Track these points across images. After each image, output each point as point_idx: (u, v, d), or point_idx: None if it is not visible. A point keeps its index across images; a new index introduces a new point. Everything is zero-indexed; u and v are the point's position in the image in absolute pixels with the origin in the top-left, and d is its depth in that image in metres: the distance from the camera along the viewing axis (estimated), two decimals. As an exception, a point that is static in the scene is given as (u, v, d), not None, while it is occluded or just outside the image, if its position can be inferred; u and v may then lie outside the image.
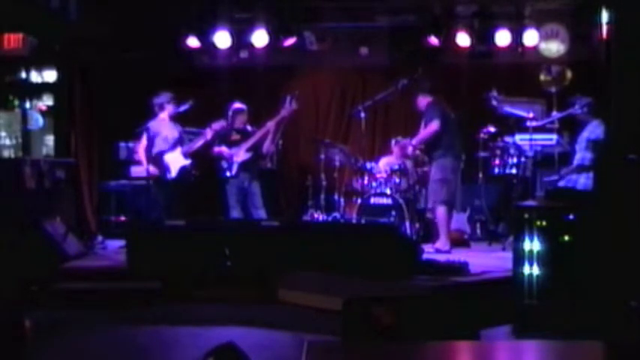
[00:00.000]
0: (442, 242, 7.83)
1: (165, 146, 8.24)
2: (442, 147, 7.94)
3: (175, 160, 8.25)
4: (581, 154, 7.42)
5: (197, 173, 8.69)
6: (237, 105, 8.51)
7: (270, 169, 9.47)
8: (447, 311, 5.43)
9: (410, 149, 8.28)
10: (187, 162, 8.34)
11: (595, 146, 7.21)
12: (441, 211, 7.87)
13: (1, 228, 6.83)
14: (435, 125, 7.86)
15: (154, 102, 8.31)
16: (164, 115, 8.30)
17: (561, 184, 7.47)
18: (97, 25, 9.02)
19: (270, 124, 8.35)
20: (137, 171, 9.09)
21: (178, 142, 8.34)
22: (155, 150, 8.19)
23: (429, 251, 7.55)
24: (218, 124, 8.23)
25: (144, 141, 8.22)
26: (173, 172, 8.24)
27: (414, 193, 8.68)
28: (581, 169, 7.27)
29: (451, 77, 9.86)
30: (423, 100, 8.13)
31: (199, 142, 8.30)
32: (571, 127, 8.37)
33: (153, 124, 8.24)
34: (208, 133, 8.21)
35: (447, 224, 7.92)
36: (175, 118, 8.42)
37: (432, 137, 7.93)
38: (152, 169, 8.17)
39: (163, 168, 8.21)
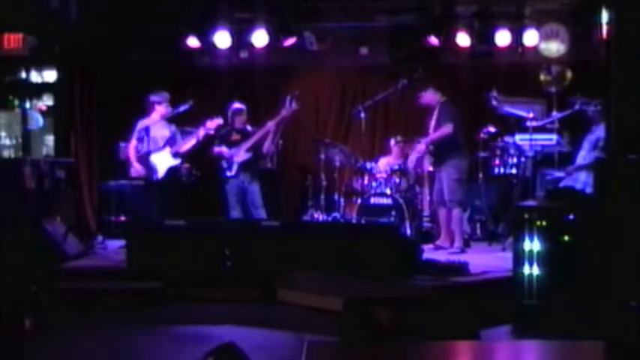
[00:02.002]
0: (459, 242, 7.82)
1: (154, 146, 8.13)
2: (455, 148, 7.84)
3: (163, 160, 8.12)
4: (592, 153, 7.37)
5: (197, 173, 8.67)
6: (237, 105, 8.50)
7: (270, 169, 9.46)
8: (447, 311, 5.45)
9: (422, 147, 8.03)
10: (176, 162, 8.21)
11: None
12: (457, 211, 7.85)
13: (1, 228, 6.83)
14: (449, 129, 7.74)
15: (149, 99, 8.21)
16: (156, 115, 8.23)
17: (570, 183, 7.44)
18: (97, 25, 9.02)
19: (271, 125, 8.34)
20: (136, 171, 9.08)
21: (169, 142, 8.19)
22: (144, 150, 8.15)
23: (452, 251, 7.56)
24: (213, 123, 8.13)
25: (134, 141, 8.18)
26: (160, 173, 8.10)
27: (414, 193, 8.68)
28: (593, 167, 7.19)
29: (451, 77, 9.85)
30: (434, 97, 7.98)
31: (190, 142, 8.18)
32: (571, 127, 8.37)
33: (143, 123, 8.19)
34: (201, 132, 8.11)
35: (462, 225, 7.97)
36: (173, 118, 8.31)
37: (444, 139, 7.84)
38: (140, 168, 8.11)
39: (149, 168, 8.11)
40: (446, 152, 7.90)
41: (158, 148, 8.15)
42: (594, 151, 7.35)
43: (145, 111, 8.28)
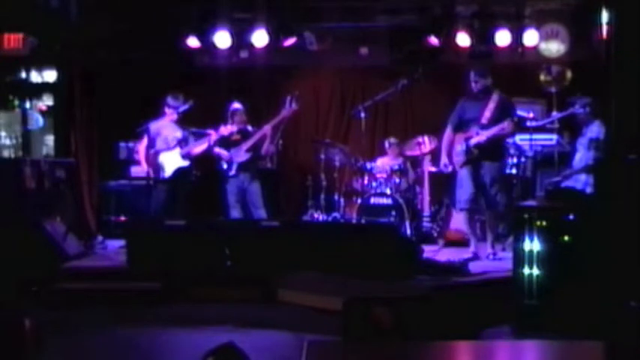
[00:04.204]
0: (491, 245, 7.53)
1: (165, 146, 8.20)
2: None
3: (171, 161, 8.18)
4: (588, 155, 7.36)
5: (197, 173, 8.67)
6: (235, 105, 8.49)
7: (270, 169, 9.46)
8: (447, 311, 5.44)
9: (483, 139, 7.30)
10: (185, 163, 8.26)
11: (599, 145, 7.18)
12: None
13: (1, 228, 6.83)
14: (511, 127, 7.30)
15: (166, 101, 8.23)
16: (168, 116, 8.27)
17: (571, 183, 7.42)
18: (97, 25, 9.02)
19: (267, 128, 8.30)
20: (137, 171, 9.09)
21: (179, 143, 8.25)
22: (153, 150, 8.18)
23: (503, 257, 7.26)
24: (227, 129, 8.17)
25: (145, 141, 8.22)
26: (167, 172, 8.15)
27: (414, 193, 8.68)
28: (591, 169, 7.18)
29: (451, 77, 9.85)
30: (488, 87, 7.56)
31: (202, 146, 8.23)
32: (571, 127, 8.36)
33: (154, 124, 8.22)
34: (213, 137, 8.16)
35: None
36: (180, 120, 8.35)
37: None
38: (147, 168, 8.14)
39: (157, 167, 8.15)
40: (499, 148, 7.53)
41: (168, 148, 8.19)
42: (590, 151, 7.34)
43: (158, 111, 8.30)
